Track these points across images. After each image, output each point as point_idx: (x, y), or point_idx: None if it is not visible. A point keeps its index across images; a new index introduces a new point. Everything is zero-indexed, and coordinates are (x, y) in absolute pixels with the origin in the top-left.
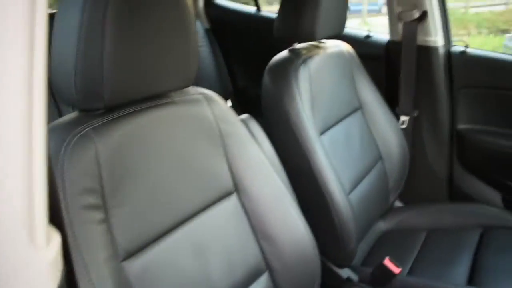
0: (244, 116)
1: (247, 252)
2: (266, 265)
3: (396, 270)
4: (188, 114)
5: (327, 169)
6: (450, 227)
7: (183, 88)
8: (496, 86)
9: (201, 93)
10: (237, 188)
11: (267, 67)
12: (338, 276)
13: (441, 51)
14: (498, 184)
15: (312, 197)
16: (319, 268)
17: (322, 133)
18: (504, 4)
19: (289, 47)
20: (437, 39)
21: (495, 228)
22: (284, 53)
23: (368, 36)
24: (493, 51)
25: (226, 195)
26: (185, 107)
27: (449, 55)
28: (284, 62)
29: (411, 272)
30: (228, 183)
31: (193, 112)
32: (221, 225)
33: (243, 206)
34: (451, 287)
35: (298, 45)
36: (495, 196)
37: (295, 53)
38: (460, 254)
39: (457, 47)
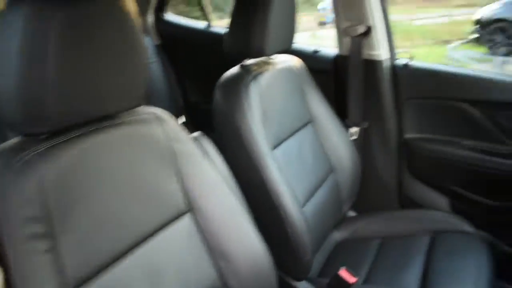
0: (196, 133)
1: (203, 272)
2: (223, 284)
3: (351, 279)
4: (138, 134)
5: (280, 183)
6: (402, 234)
7: (133, 108)
8: (439, 96)
9: (151, 113)
10: (191, 208)
11: (218, 83)
12: None
13: (386, 64)
14: (445, 189)
15: (266, 211)
16: (275, 282)
17: (275, 147)
18: (447, 16)
19: (239, 61)
20: (381, 53)
21: (444, 232)
22: (234, 70)
23: (316, 51)
24: (437, 61)
25: (179, 215)
26: (134, 128)
27: (393, 67)
28: (235, 78)
29: (366, 280)
30: (181, 203)
31: (143, 132)
32: (175, 246)
33: (198, 225)
34: None
35: (248, 61)
36: (443, 201)
37: (245, 69)
38: (412, 260)
39: (401, 60)
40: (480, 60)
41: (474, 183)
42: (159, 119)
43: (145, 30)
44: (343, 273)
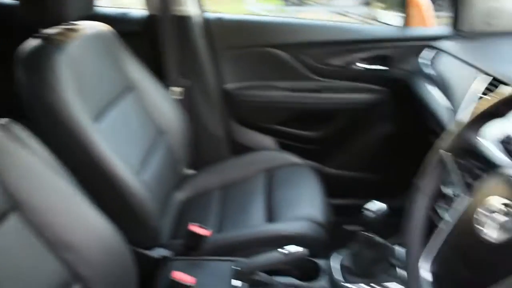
0: (4, 121)
1: (47, 269)
2: (73, 275)
3: (204, 232)
4: None
5: (109, 156)
6: (240, 178)
7: None
8: (251, 45)
9: None
10: (15, 206)
11: (17, 60)
12: (151, 259)
13: (197, 19)
14: (271, 130)
15: (102, 187)
16: (130, 258)
17: (97, 120)
18: None
19: (36, 32)
20: (190, 8)
21: (277, 168)
22: (32, 42)
23: (124, 13)
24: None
25: (0, 218)
26: None
27: (205, 22)
28: (35, 51)
29: (219, 230)
30: (1, 204)
31: None
32: (6, 251)
33: (29, 222)
34: (254, 231)
35: (48, 30)
36: (271, 141)
37: (46, 40)
38: (254, 199)
39: (211, 14)
40: (276, 11)
41: (293, 120)
42: None
43: None
44: (195, 228)
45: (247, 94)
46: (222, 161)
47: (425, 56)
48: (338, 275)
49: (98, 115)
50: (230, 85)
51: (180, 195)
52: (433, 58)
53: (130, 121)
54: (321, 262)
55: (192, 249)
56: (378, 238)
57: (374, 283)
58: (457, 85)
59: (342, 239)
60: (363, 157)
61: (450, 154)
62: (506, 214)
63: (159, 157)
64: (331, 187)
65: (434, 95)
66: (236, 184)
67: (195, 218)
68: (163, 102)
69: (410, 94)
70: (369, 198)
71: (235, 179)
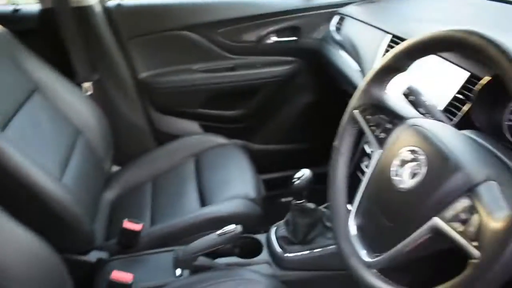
0: None
1: None
2: None
3: (137, 227)
4: None
5: (24, 165)
6: (169, 167)
7: None
8: (159, 29)
9: None
10: None
11: None
12: (88, 263)
13: (97, 8)
14: (193, 114)
15: (23, 199)
16: (63, 267)
17: (3, 129)
18: None
19: None
20: None
21: (204, 151)
22: None
23: (16, 10)
24: None
25: None
26: None
27: (106, 10)
28: None
29: (154, 223)
30: None
31: None
32: None
33: None
34: (189, 218)
35: None
36: (195, 125)
37: None
38: (186, 185)
39: (112, 2)
40: None
41: (213, 101)
42: None
43: None
44: (127, 224)
45: (163, 81)
46: (149, 152)
47: (334, 23)
48: (277, 247)
49: (3, 124)
50: (144, 74)
51: (109, 194)
52: (341, 24)
53: (41, 125)
54: (261, 237)
55: (128, 246)
56: (309, 205)
57: (312, 248)
58: (364, 47)
59: (280, 212)
60: (287, 129)
61: (359, 111)
62: (414, 160)
63: (80, 158)
64: (261, 163)
65: (345, 60)
66: (166, 174)
67: (129, 215)
68: (75, 100)
69: (323, 62)
70: (300, 168)
71: (164, 168)
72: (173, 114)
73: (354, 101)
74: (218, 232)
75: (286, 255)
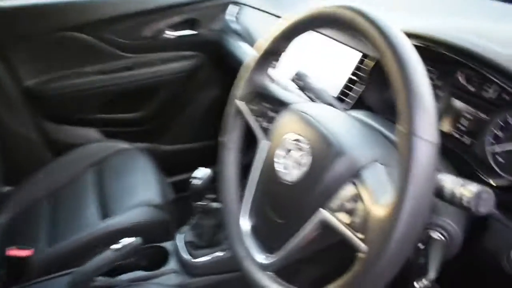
0: None
1: None
2: None
3: (25, 253)
4: None
5: None
6: (68, 181)
7: None
8: (41, 32)
9: None
10: None
11: None
12: None
13: None
14: (90, 121)
15: None
16: None
17: None
18: None
19: None
20: None
21: (104, 159)
22: None
23: None
24: None
25: None
26: None
27: None
28: None
29: (51, 244)
30: None
31: None
32: None
33: None
34: (87, 233)
35: None
36: (93, 132)
37: None
38: (86, 198)
39: None
40: None
41: (112, 104)
42: None
43: None
44: (13, 252)
45: (54, 87)
46: (42, 165)
47: (230, 12)
48: (185, 253)
49: None
50: (30, 82)
51: (0, 219)
52: (238, 13)
53: None
54: (167, 245)
55: (17, 276)
56: (213, 205)
57: (221, 250)
58: (262, 35)
59: (191, 215)
60: (194, 126)
61: (243, 101)
62: (299, 149)
63: None
64: (170, 165)
65: (244, 50)
66: (64, 188)
67: (23, 239)
68: None
69: (223, 54)
70: (209, 167)
71: (62, 182)
72: (69, 123)
73: (237, 91)
74: (114, 247)
75: (194, 260)
